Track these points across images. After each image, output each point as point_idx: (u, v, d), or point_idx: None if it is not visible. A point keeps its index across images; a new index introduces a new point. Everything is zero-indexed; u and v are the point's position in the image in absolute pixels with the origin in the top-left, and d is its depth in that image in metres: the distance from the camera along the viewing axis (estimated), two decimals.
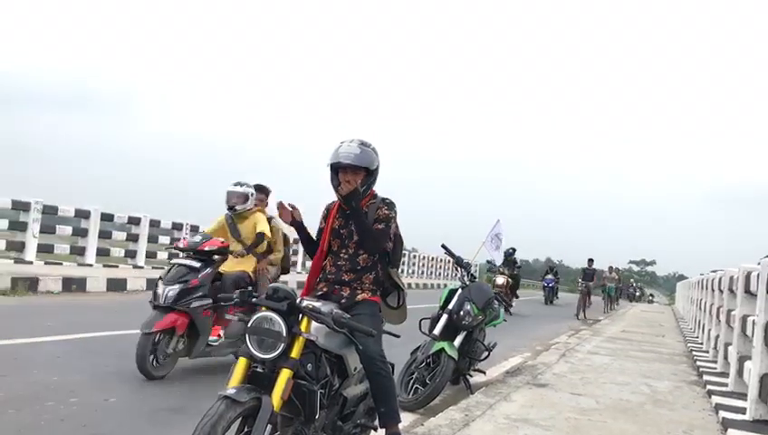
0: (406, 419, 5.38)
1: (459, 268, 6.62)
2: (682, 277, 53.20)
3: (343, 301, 3.91)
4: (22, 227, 13.12)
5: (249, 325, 3.32)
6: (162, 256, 17.22)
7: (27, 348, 6.46)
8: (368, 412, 4.02)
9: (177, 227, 17.44)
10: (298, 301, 3.48)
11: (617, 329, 14.59)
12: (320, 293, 3.99)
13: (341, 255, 4.01)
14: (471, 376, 6.59)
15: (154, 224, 16.49)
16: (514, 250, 20.38)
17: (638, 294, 47.89)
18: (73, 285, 11.97)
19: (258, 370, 3.29)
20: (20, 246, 13.15)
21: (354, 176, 3.90)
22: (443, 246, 6.77)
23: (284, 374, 3.21)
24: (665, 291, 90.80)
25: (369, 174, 3.95)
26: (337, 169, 3.94)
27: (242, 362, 3.29)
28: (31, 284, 11.08)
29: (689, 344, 11.99)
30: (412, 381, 5.97)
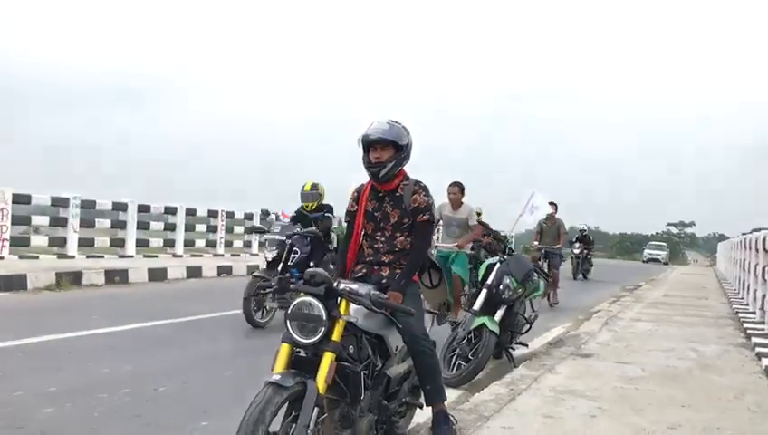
0: (450, 395, 5.38)
1: (498, 242, 6.56)
2: (723, 237, 52.02)
3: (384, 281, 3.92)
4: (62, 222, 13.42)
5: (289, 311, 3.35)
6: (200, 243, 17.47)
7: (79, 341, 6.60)
8: (412, 391, 4.04)
9: (213, 214, 17.65)
10: (335, 284, 3.49)
11: (658, 294, 14.40)
12: (359, 274, 4.00)
13: (378, 237, 4.00)
14: (513, 349, 6.57)
15: (190, 213, 16.71)
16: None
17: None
18: (116, 277, 12.17)
19: (301, 354, 3.32)
20: (62, 242, 13.46)
21: (383, 151, 3.88)
22: (480, 222, 6.72)
23: (327, 358, 3.24)
24: (704, 252, 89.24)
25: (399, 150, 3.92)
26: (368, 149, 3.93)
27: (284, 347, 3.32)
28: (75, 278, 11.29)
29: (734, 306, 11.78)
30: (455, 358, 5.96)
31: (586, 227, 21.09)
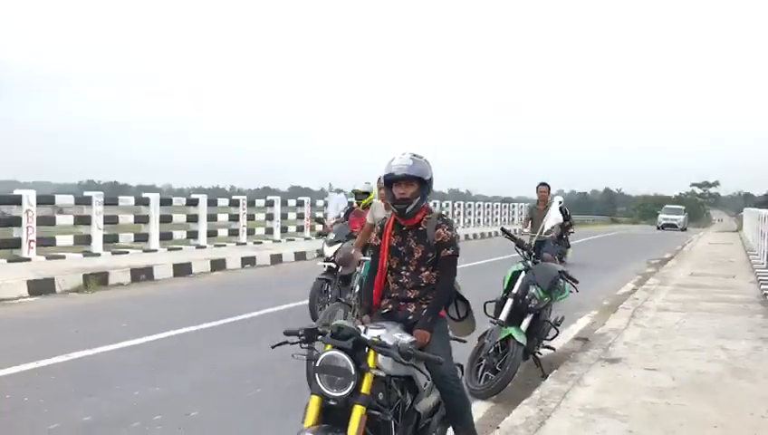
0: (478, 408, 5.42)
1: (521, 251, 6.49)
2: (749, 196, 50.95)
3: (410, 317, 3.91)
4: (86, 220, 13.56)
5: (317, 364, 3.35)
6: (222, 232, 17.58)
7: (107, 358, 6.69)
8: (442, 421, 4.04)
9: (234, 203, 17.74)
10: (362, 330, 3.49)
11: (684, 273, 14.25)
12: (385, 310, 3.99)
13: (402, 272, 3.97)
14: (541, 354, 6.55)
15: (211, 203, 16.81)
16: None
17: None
18: (141, 275, 12.31)
19: (331, 403, 3.34)
20: (87, 240, 13.61)
21: (408, 187, 3.85)
22: (502, 229, 6.66)
23: (357, 411, 3.25)
24: (730, 211, 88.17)
25: (423, 185, 3.89)
26: (391, 183, 3.90)
27: (314, 400, 3.34)
28: (101, 278, 11.45)
29: (763, 287, 11.62)
30: (482, 368, 5.95)
31: (562, 200, 15.93)
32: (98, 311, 9.46)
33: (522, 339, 5.91)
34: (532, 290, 6.11)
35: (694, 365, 6.25)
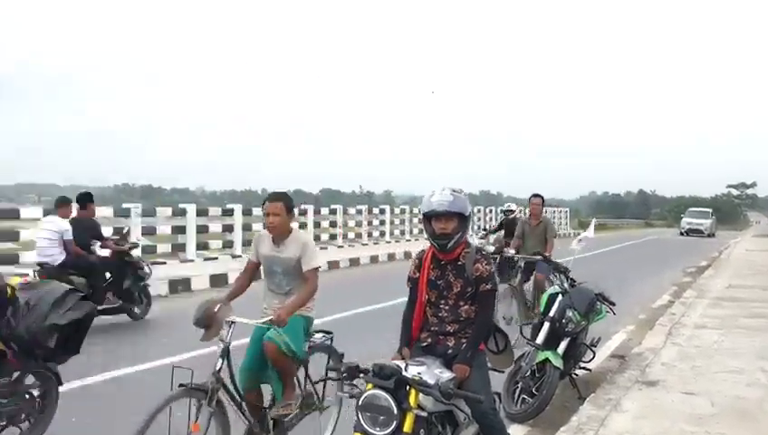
0: (515, 432, 5.46)
1: (558, 274, 6.50)
2: None
3: (449, 351, 3.98)
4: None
5: (360, 403, 3.44)
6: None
7: (153, 377, 6.78)
8: None
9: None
10: (403, 367, 3.55)
11: (722, 284, 14.04)
12: (424, 344, 4.05)
13: (441, 305, 4.04)
14: (577, 375, 6.55)
15: (246, 212, 17.05)
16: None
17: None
18: (179, 286, 12.55)
19: None
20: None
21: (448, 222, 3.92)
22: (538, 253, 6.68)
23: None
24: (767, 212, 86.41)
25: (463, 220, 3.95)
26: (430, 218, 3.97)
27: None
28: None
29: None
30: (518, 391, 5.98)
31: (515, 209, 13.28)
32: (138, 324, 9.67)
33: (559, 363, 5.92)
34: (569, 314, 6.12)
35: (733, 389, 6.20)
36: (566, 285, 6.40)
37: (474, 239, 8.88)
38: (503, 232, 12.41)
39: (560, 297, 6.26)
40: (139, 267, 9.87)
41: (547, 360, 5.93)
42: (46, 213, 12.86)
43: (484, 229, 18.93)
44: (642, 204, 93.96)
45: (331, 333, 5.00)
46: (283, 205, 4.66)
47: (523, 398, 5.92)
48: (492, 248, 9.81)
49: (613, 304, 6.55)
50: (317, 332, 4.95)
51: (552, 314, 6.17)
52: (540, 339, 6.11)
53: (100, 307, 8.45)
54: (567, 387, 6.46)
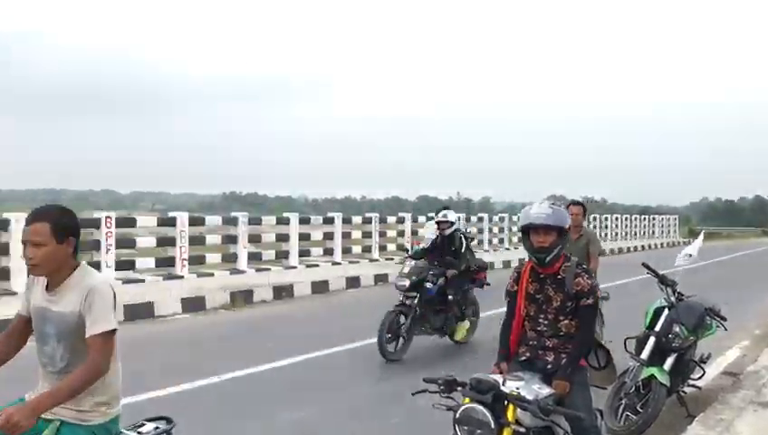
0: None
1: (664, 287, 6.25)
2: None
3: (549, 367, 3.92)
4: (233, 239, 14.45)
5: (457, 416, 3.45)
6: (356, 249, 18.18)
7: (253, 380, 7.07)
8: None
9: (367, 220, 18.29)
10: (501, 382, 3.54)
11: None
12: (523, 358, 4.01)
13: (540, 320, 3.99)
14: (685, 392, 6.28)
15: (346, 221, 17.47)
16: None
17: None
18: (283, 292, 12.97)
19: None
20: (233, 257, 14.51)
21: (547, 236, 3.87)
22: (644, 265, 6.46)
23: None
24: None
25: (562, 233, 3.90)
26: (528, 231, 3.94)
27: None
28: (246, 296, 12.16)
29: None
30: (622, 408, 5.79)
31: (457, 221, 9.22)
32: (244, 330, 10.07)
33: (665, 380, 5.69)
34: (676, 329, 5.87)
35: None
36: (673, 298, 6.14)
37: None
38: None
39: (666, 311, 6.02)
40: None
41: (653, 376, 5.72)
42: (160, 222, 13.72)
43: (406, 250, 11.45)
44: (759, 210, 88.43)
45: (171, 421, 3.10)
46: (50, 227, 2.81)
47: (627, 415, 5.73)
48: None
49: (724, 319, 6.23)
50: (148, 420, 3.10)
51: (657, 328, 5.94)
52: (645, 354, 5.88)
53: None
54: (674, 405, 6.19)
